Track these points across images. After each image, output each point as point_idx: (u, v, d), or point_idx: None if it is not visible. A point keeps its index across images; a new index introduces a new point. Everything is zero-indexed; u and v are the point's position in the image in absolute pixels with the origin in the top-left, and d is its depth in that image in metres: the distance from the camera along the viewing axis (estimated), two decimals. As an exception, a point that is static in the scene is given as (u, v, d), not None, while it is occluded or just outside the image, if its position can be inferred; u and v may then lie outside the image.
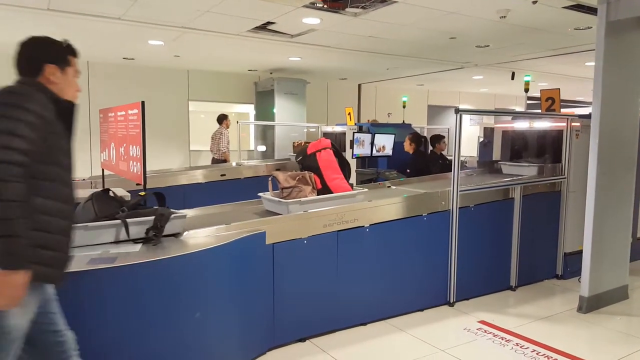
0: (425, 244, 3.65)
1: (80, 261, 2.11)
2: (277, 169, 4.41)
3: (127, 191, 3.89)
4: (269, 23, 5.31)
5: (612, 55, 3.54)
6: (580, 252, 3.78)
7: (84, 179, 5.13)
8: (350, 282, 3.25)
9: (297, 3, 4.37)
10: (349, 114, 7.23)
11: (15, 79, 1.73)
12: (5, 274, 1.45)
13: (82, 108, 7.90)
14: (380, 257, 3.40)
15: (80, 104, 1.91)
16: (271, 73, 9.45)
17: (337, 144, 7.56)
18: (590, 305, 3.68)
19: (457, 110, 3.66)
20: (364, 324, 3.35)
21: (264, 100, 9.65)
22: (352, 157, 6.22)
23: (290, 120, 9.23)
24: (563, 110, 4.75)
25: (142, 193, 2.78)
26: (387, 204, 3.42)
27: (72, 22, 5.22)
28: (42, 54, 1.75)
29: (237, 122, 7.37)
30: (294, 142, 8.04)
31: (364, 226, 3.28)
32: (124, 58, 8.02)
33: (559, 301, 3.94)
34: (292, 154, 7.31)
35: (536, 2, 4.10)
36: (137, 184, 3.25)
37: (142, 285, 2.18)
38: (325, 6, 4.65)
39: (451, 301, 3.75)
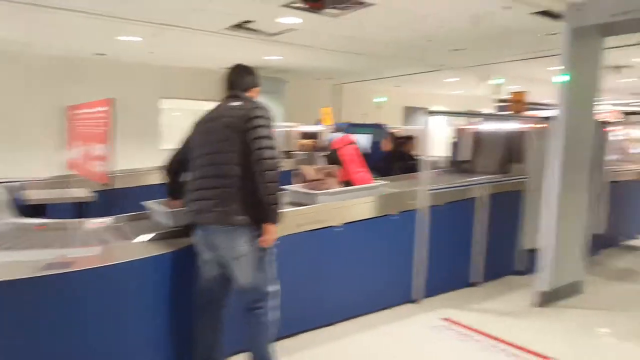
0: (394, 242, 3.72)
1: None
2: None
3: (94, 192, 3.83)
4: (247, 22, 5.33)
5: (576, 60, 3.70)
6: (539, 248, 3.93)
7: (45, 179, 4.97)
8: (319, 282, 3.29)
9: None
10: (327, 114, 7.33)
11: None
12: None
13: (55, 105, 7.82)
14: (349, 256, 3.44)
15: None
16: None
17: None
18: (548, 299, 3.85)
19: (427, 112, 3.77)
20: (332, 324, 3.36)
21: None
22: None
23: (269, 120, 9.27)
24: (532, 113, 4.93)
25: None
26: (358, 204, 3.47)
27: (42, 17, 5.12)
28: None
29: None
30: (299, 142, 8.04)
31: (334, 226, 3.32)
32: (95, 54, 7.87)
33: (519, 296, 4.08)
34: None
35: (507, 7, 4.24)
36: (103, 184, 3.19)
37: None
38: (306, 6, 4.70)
39: (417, 299, 3.83)
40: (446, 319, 3.55)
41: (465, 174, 4.97)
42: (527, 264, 4.55)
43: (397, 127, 9.55)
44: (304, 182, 3.48)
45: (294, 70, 8.99)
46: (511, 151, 4.92)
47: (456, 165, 5.36)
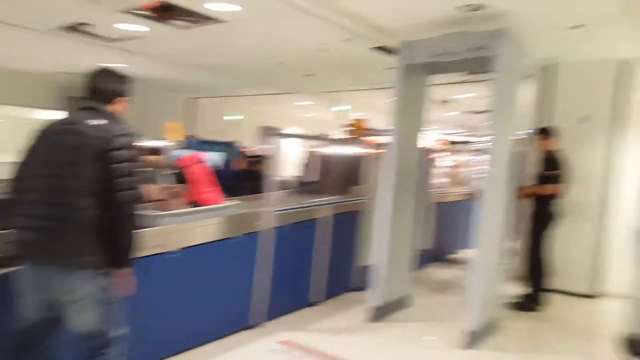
0: (236, 266, 3.60)
1: None
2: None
3: None
4: (83, 24, 4.80)
5: (405, 92, 4.08)
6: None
7: None
8: (149, 316, 2.94)
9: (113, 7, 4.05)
10: (175, 129, 6.96)
11: None
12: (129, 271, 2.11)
13: None
14: (187, 284, 3.21)
15: None
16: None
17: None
18: (379, 314, 4.09)
19: (271, 134, 3.80)
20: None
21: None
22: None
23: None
24: (372, 139, 5.32)
25: None
26: (198, 227, 3.27)
27: None
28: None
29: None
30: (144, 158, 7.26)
31: (172, 251, 3.07)
32: None
33: (355, 312, 4.25)
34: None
35: (348, 40, 4.53)
36: None
37: None
38: (151, 15, 4.40)
39: (257, 323, 3.74)
40: (284, 342, 3.52)
41: (312, 195, 5.10)
42: (364, 280, 4.79)
43: (251, 146, 9.54)
44: (147, 202, 3.19)
45: (140, 80, 8.38)
46: (353, 173, 5.21)
47: (305, 186, 5.50)
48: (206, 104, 11.45)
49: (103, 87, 2.22)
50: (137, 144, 2.15)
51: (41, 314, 2.06)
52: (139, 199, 2.07)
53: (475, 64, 3.97)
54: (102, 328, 2.07)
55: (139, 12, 4.28)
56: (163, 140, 7.49)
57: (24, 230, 2.00)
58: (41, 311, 2.05)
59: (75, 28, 4.92)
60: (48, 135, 2.11)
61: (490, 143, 3.55)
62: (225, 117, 10.95)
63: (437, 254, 6.42)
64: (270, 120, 13.73)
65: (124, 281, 2.11)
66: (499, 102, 3.53)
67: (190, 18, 4.37)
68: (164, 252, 3.01)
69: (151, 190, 3.27)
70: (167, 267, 3.05)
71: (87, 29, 4.95)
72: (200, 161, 3.62)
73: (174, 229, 3.09)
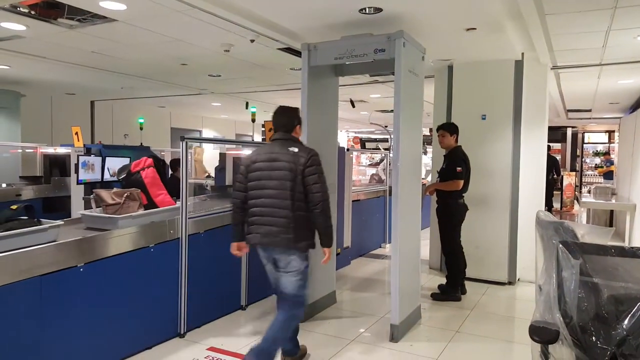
0: (153, 276, 3.48)
1: None
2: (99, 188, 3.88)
3: None
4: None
5: (313, 94, 4.12)
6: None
7: None
8: (59, 335, 2.81)
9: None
10: (77, 133, 6.46)
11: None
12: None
13: None
14: (99, 299, 3.06)
15: None
16: (-33, 81, 7.63)
17: (60, 167, 6.66)
18: (307, 314, 4.06)
19: (183, 138, 3.67)
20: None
21: (-42, 114, 7.74)
22: (77, 183, 5.55)
23: None
24: None
25: (13, 207, 2.86)
26: (104, 239, 3.12)
27: None
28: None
29: None
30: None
31: (76, 266, 2.90)
32: None
33: (282, 313, 4.31)
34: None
35: (254, 41, 4.50)
36: None
37: None
38: (33, 12, 4.04)
39: (182, 332, 3.67)
40: (212, 349, 3.48)
41: (228, 199, 5.01)
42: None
43: (163, 148, 9.14)
44: (104, 206, 3.40)
45: (30, 82, 7.69)
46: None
47: (220, 190, 5.38)
48: (108, 106, 10.78)
49: (285, 121, 3.10)
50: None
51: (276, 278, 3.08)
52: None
53: (377, 65, 4.13)
54: (299, 292, 2.99)
55: (18, 10, 3.92)
56: (67, 145, 6.95)
57: (259, 227, 2.97)
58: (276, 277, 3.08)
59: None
60: (263, 161, 2.99)
61: (397, 141, 3.71)
62: (133, 120, 10.34)
63: (359, 249, 6.63)
64: (183, 121, 13.42)
65: (327, 256, 2.99)
66: (402, 102, 3.69)
67: (80, 16, 4.09)
68: (71, 267, 2.86)
69: (104, 194, 3.41)
70: (77, 280, 2.91)
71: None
72: (151, 165, 3.82)
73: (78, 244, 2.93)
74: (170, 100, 9.88)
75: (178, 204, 3.67)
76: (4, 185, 6.13)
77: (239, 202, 3.06)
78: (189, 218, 3.70)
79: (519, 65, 5.27)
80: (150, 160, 3.81)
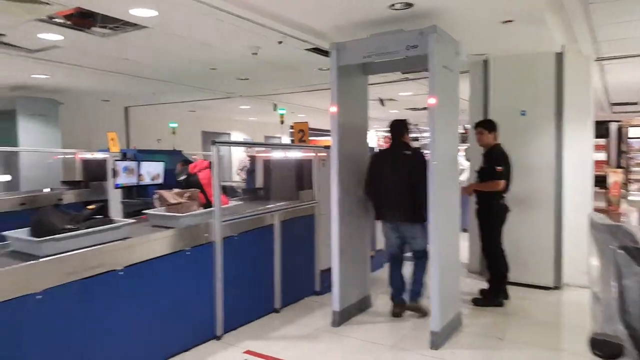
0: (190, 279, 3.50)
1: None
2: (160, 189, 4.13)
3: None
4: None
5: (343, 93, 4.03)
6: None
7: None
8: (102, 338, 2.86)
9: (26, 16, 3.76)
10: (112, 139, 6.61)
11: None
12: None
13: None
14: (139, 302, 3.10)
15: None
16: (12, 90, 7.85)
17: (99, 172, 6.80)
18: (342, 318, 4.06)
19: (214, 142, 3.67)
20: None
21: (4, 122, 8.03)
22: (115, 187, 5.65)
23: (41, 146, 7.90)
24: (319, 139, 5.28)
25: (91, 206, 3.14)
26: (143, 242, 3.16)
27: None
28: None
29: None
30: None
31: (116, 270, 2.94)
32: None
33: (317, 317, 4.25)
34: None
35: (281, 42, 4.46)
36: None
37: None
38: (68, 22, 4.13)
39: (218, 334, 3.68)
40: (248, 352, 3.47)
41: (260, 201, 5.02)
42: (324, 284, 4.77)
43: (195, 152, 9.26)
44: (166, 205, 3.65)
45: (68, 90, 7.93)
46: (300, 178, 5.16)
47: (250, 193, 5.38)
48: (142, 112, 11.01)
49: (398, 132, 4.23)
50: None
51: (397, 244, 4.25)
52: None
53: (409, 62, 4.02)
54: (424, 248, 4.00)
55: (54, 20, 4.01)
56: (104, 151, 7.13)
57: (389, 207, 4.14)
58: (397, 242, 4.25)
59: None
60: (387, 159, 4.21)
61: (432, 140, 3.58)
62: (165, 125, 10.54)
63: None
64: (213, 125, 13.57)
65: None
66: (437, 99, 3.57)
67: (112, 25, 4.15)
68: (108, 271, 2.90)
69: (167, 195, 3.65)
70: (116, 284, 2.95)
71: (5, 39, 4.60)
72: (208, 167, 4.11)
73: (119, 246, 2.99)
74: (199, 105, 10.00)
75: (232, 203, 3.99)
76: (47, 190, 6.31)
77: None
78: (223, 222, 3.70)
79: (559, 57, 5.04)
80: (206, 163, 4.02)
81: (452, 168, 4.00)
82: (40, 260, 2.59)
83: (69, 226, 2.81)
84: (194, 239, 3.53)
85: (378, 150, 4.92)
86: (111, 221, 3.13)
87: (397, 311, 4.24)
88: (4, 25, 4.13)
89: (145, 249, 3.16)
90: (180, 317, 3.42)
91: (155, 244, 3.24)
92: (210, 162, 4.03)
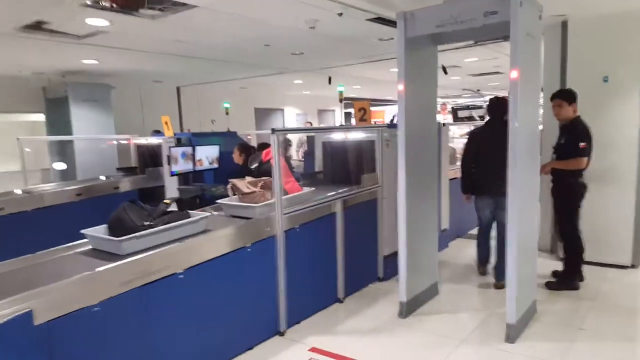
0: (252, 276, 3.34)
1: None
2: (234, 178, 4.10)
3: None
4: (41, 22, 4.37)
5: (410, 66, 3.64)
6: (396, 253, 3.88)
7: None
8: (166, 343, 2.75)
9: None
10: (166, 123, 6.53)
11: None
12: None
13: None
14: (201, 303, 2.96)
15: None
16: (64, 76, 7.94)
17: (155, 157, 6.79)
18: (409, 308, 3.83)
19: (274, 130, 3.42)
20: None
21: (57, 109, 8.11)
22: (171, 175, 5.59)
23: (95, 132, 7.97)
24: (378, 109, 4.94)
25: (167, 201, 3.04)
26: (203, 242, 2.99)
27: None
28: None
29: (18, 138, 5.95)
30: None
31: (176, 273, 2.80)
32: None
33: (382, 307, 4.03)
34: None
35: (341, 14, 4.10)
36: None
37: None
38: (114, 6, 3.97)
39: (282, 330, 3.54)
40: (314, 349, 3.31)
41: (320, 186, 4.76)
42: (388, 270, 4.60)
43: (249, 132, 9.10)
44: (239, 195, 3.58)
45: (118, 74, 7.92)
46: (362, 160, 4.83)
47: (310, 178, 5.13)
48: (195, 92, 10.95)
49: (495, 109, 4.31)
50: None
51: (489, 217, 4.45)
52: None
53: (486, 30, 3.55)
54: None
55: (101, 4, 3.85)
56: (158, 135, 7.11)
57: (487, 182, 4.23)
58: (489, 216, 4.45)
59: (37, 27, 4.50)
60: (485, 135, 4.38)
61: (514, 115, 3.16)
62: (218, 105, 10.44)
63: (456, 231, 6.14)
64: (266, 101, 13.39)
65: None
66: (520, 71, 3.12)
67: (160, 6, 3.95)
68: (171, 275, 2.77)
69: (240, 184, 3.56)
70: (177, 287, 2.81)
71: (49, 26, 4.52)
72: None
73: (176, 249, 2.82)
74: (251, 82, 9.81)
75: (305, 189, 3.92)
76: (103, 178, 6.33)
77: None
78: (284, 214, 3.49)
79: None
80: None
81: (533, 143, 3.57)
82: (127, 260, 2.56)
83: (147, 223, 2.79)
84: (255, 234, 3.34)
85: (476, 128, 4.92)
86: (188, 215, 3.07)
87: (483, 271, 4.72)
88: (49, 13, 4.03)
89: (203, 250, 3.00)
90: (242, 315, 3.28)
91: (212, 245, 3.07)
92: (244, 147, 4.30)
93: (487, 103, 4.50)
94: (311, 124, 12.51)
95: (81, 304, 2.30)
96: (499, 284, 4.23)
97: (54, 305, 2.20)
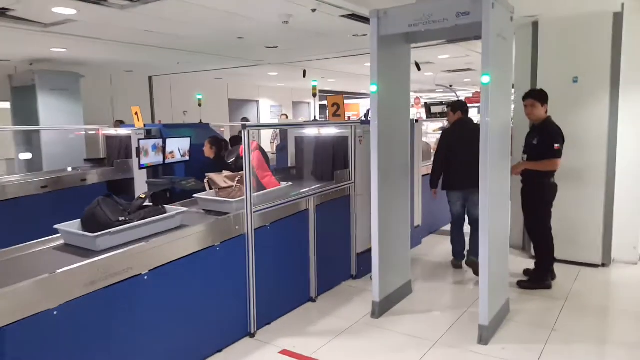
0: (221, 276, 3.27)
1: None
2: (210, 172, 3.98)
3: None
4: (5, 9, 4.17)
5: (383, 64, 3.63)
6: (369, 250, 3.87)
7: None
8: (131, 347, 2.68)
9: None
10: (136, 113, 6.36)
11: None
12: None
13: None
14: (168, 305, 2.89)
15: None
16: (31, 64, 7.63)
17: (124, 149, 6.63)
18: (382, 308, 3.82)
19: (244, 127, 3.36)
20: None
21: (24, 98, 7.81)
22: (140, 168, 5.45)
23: (63, 122, 7.68)
24: (352, 102, 4.94)
25: (142, 195, 3.02)
26: (168, 242, 2.90)
27: None
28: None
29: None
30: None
31: (141, 274, 2.72)
32: None
33: (355, 306, 4.01)
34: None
35: (315, 10, 4.05)
36: None
37: None
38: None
39: (252, 331, 3.49)
40: (284, 352, 3.27)
41: (292, 182, 4.72)
42: (361, 268, 4.60)
43: (222, 124, 8.96)
44: (216, 190, 3.52)
45: (88, 63, 7.66)
46: (335, 156, 4.80)
47: (282, 173, 5.08)
48: (168, 82, 10.71)
49: (457, 107, 4.82)
50: None
51: (461, 210, 4.75)
52: None
53: (458, 30, 3.56)
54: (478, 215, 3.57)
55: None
56: (127, 126, 6.93)
57: (457, 177, 4.53)
58: (461, 209, 4.75)
59: (1, 13, 4.30)
60: (456, 133, 4.70)
61: (484, 114, 3.20)
62: (191, 96, 10.22)
63: (429, 227, 6.21)
64: (240, 92, 13.20)
65: None
66: (491, 72, 3.14)
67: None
68: (135, 276, 2.68)
69: (217, 178, 3.50)
70: (142, 290, 2.73)
71: (14, 14, 4.33)
72: (257, 148, 3.87)
73: (138, 250, 2.73)
74: (226, 72, 9.64)
75: (282, 184, 3.89)
76: (70, 169, 6.13)
77: None
78: (254, 212, 3.44)
79: (618, 17, 4.54)
80: (255, 144, 3.89)
81: (504, 142, 3.62)
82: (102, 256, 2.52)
83: (122, 218, 2.77)
84: (224, 232, 3.27)
85: (447, 126, 5.11)
86: (164, 210, 3.04)
87: (458, 264, 4.90)
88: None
89: (169, 250, 2.92)
90: (211, 317, 3.21)
91: (178, 244, 2.99)
92: (214, 141, 4.19)
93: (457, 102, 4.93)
94: (287, 116, 12.39)
95: (40, 307, 2.21)
96: (472, 260, 4.53)
97: (9, 310, 2.10)
